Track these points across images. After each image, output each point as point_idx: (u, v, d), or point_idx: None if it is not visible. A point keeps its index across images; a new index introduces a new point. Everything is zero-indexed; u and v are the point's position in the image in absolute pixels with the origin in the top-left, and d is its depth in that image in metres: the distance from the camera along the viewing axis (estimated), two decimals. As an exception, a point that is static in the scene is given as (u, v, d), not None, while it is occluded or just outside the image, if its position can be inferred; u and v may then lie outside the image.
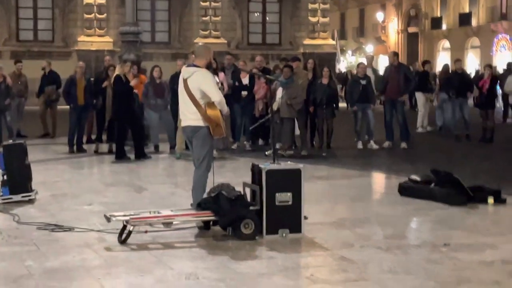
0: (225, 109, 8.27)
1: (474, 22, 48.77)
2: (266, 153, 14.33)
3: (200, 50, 8.50)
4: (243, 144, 16.26)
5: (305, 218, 7.81)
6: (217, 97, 8.05)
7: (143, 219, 7.57)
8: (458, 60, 20.91)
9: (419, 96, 21.21)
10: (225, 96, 9.27)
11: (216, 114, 8.05)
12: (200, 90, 8.03)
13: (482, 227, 8.22)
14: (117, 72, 14.60)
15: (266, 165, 7.67)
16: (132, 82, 14.43)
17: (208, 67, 8.31)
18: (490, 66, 19.71)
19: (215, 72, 13.19)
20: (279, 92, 14.84)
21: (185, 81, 8.13)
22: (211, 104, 8.04)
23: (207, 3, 34.84)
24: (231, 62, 17.05)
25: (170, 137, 15.52)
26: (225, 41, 34.55)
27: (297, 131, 15.50)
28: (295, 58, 17.58)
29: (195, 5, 34.86)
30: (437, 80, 22.67)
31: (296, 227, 7.65)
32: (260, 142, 16.86)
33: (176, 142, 14.78)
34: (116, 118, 14.33)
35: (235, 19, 35.67)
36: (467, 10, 49.59)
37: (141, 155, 14.18)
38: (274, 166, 7.72)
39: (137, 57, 17.57)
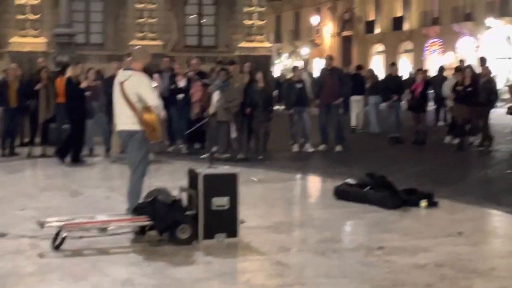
0: (162, 113, 8.24)
1: (406, 26, 49.59)
2: (202, 156, 14.28)
3: (137, 53, 8.43)
4: (179, 148, 16.20)
5: (242, 222, 7.83)
6: (154, 101, 8.00)
7: (77, 225, 7.49)
8: (393, 64, 21.26)
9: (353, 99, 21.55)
10: (161, 99, 9.22)
11: (153, 118, 8.00)
12: (136, 94, 7.96)
13: (415, 230, 8.36)
14: (69, 73, 14.48)
15: (202, 170, 7.67)
16: (83, 84, 14.34)
17: (145, 70, 8.26)
18: (422, 70, 20.08)
19: (150, 75, 13.10)
20: (216, 96, 14.84)
21: (121, 84, 8.05)
22: (147, 108, 7.99)
23: (143, 5, 34.50)
24: (168, 65, 16.96)
25: (105, 140, 15.35)
26: (161, 43, 34.31)
27: (234, 134, 15.52)
28: (232, 61, 17.60)
29: (131, 7, 34.51)
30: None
31: (232, 232, 7.66)
32: (197, 145, 16.80)
33: (111, 146, 14.65)
34: (68, 120, 14.34)
35: (171, 21, 35.45)
36: (400, 14, 50.41)
37: (77, 159, 14.01)
38: (211, 171, 7.72)
39: (71, 59, 17.34)
